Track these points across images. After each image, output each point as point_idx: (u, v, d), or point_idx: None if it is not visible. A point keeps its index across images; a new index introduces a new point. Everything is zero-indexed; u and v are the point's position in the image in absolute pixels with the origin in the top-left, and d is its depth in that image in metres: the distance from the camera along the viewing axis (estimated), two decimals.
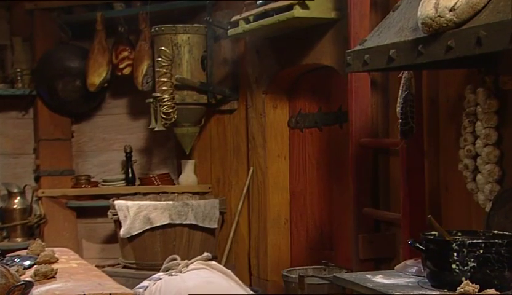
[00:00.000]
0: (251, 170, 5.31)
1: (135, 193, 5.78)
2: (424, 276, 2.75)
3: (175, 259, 4.18)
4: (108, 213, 5.36)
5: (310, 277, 4.30)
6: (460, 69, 3.33)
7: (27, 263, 3.34)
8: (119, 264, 5.46)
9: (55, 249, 3.57)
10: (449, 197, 3.52)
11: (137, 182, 5.99)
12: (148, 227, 5.12)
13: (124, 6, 5.91)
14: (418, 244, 2.69)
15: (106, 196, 5.79)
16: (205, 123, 5.71)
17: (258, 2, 4.60)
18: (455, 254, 2.54)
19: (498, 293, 2.43)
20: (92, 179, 6.09)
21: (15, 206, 5.86)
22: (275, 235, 5.15)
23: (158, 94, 5.38)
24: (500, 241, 2.53)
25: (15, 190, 5.88)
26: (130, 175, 5.95)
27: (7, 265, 3.17)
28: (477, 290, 2.44)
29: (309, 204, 5.03)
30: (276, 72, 5.02)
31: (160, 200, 5.49)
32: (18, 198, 5.89)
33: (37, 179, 6.10)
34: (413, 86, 3.26)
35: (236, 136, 5.56)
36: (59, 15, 6.00)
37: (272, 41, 4.96)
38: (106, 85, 5.86)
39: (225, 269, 4.20)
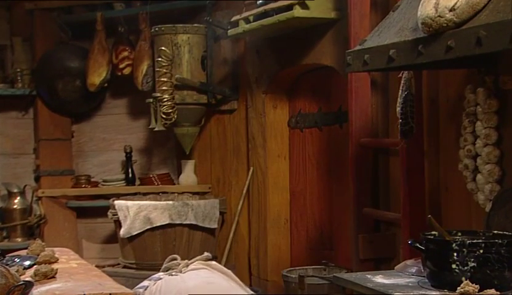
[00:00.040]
0: (251, 170, 5.31)
1: (135, 193, 5.78)
2: (424, 276, 2.75)
3: (175, 259, 4.18)
4: (108, 213, 5.37)
5: (310, 277, 4.30)
6: (460, 69, 3.33)
7: (27, 263, 3.34)
8: (119, 264, 5.46)
9: (55, 249, 3.57)
10: (449, 197, 3.52)
11: (137, 182, 5.99)
12: (148, 227, 5.12)
13: (124, 6, 5.92)
14: (418, 244, 2.69)
15: (106, 196, 5.80)
16: (205, 123, 5.72)
17: (258, 2, 4.60)
18: (455, 254, 2.54)
19: (498, 293, 2.43)
20: (92, 179, 6.09)
21: (15, 206, 5.87)
22: (275, 235, 5.15)
23: (158, 94, 5.38)
24: (500, 241, 2.53)
25: (15, 190, 5.88)
26: (130, 175, 5.96)
27: (7, 265, 3.17)
28: (477, 290, 2.44)
29: (309, 204, 5.03)
30: (276, 72, 5.02)
31: (160, 200, 5.49)
32: (18, 198, 5.89)
33: (37, 179, 6.10)
34: (413, 86, 3.26)
35: (236, 136, 5.56)
36: (59, 15, 6.00)
37: (272, 41, 4.96)
38: (106, 85, 5.86)
39: (225, 269, 4.20)
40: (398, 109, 3.31)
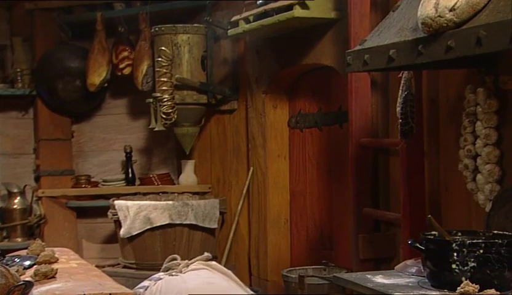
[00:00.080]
0: (251, 170, 5.31)
1: (135, 193, 5.78)
2: (424, 276, 2.75)
3: (175, 259, 4.18)
4: (108, 213, 5.37)
5: (310, 277, 4.30)
6: (460, 69, 3.33)
7: (27, 263, 3.34)
8: (119, 264, 5.46)
9: (55, 249, 3.56)
10: (449, 197, 3.52)
11: (137, 182, 5.99)
12: (148, 227, 5.12)
13: (123, 6, 5.92)
14: (418, 244, 2.69)
15: (106, 196, 5.79)
16: (205, 123, 5.71)
17: (258, 2, 4.60)
18: (455, 254, 2.54)
19: (498, 293, 2.43)
20: (92, 179, 6.09)
21: (15, 206, 5.87)
22: (275, 235, 5.15)
23: (158, 94, 5.38)
24: (500, 241, 2.53)
25: (15, 190, 5.88)
26: (130, 175, 5.96)
27: (7, 265, 3.16)
28: (477, 290, 2.44)
29: (309, 204, 5.03)
30: (276, 72, 5.02)
31: (160, 200, 5.49)
32: (18, 198, 5.89)
33: (37, 179, 6.10)
34: (413, 86, 3.26)
35: (236, 136, 5.56)
36: (59, 15, 6.00)
37: (272, 41, 4.96)
38: (106, 85, 5.86)
39: (225, 269, 4.20)
40: (398, 109, 3.31)
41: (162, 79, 5.37)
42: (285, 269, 4.59)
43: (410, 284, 2.78)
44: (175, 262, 4.15)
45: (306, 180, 5.06)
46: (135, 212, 5.13)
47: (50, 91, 5.93)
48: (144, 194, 5.72)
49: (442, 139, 3.56)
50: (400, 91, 3.30)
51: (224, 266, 4.47)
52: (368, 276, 2.97)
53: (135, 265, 5.24)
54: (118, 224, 5.27)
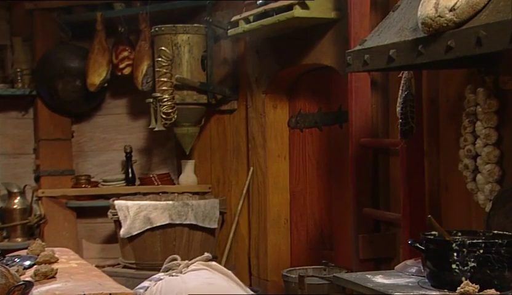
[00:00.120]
0: (251, 170, 5.31)
1: (135, 193, 5.78)
2: (424, 276, 2.75)
3: (175, 259, 4.19)
4: (108, 213, 5.36)
5: (310, 277, 4.30)
6: (460, 69, 3.33)
7: (27, 263, 3.34)
8: (119, 264, 5.46)
9: (55, 249, 3.56)
10: (449, 197, 3.52)
11: (137, 182, 5.99)
12: (148, 227, 5.12)
13: (124, 6, 5.91)
14: (418, 244, 2.69)
15: (106, 196, 5.79)
16: (205, 123, 5.71)
17: (258, 2, 4.60)
18: (455, 254, 2.54)
19: (498, 293, 2.43)
20: (92, 179, 6.09)
21: (15, 206, 5.86)
22: (275, 235, 5.15)
23: (158, 94, 5.38)
24: (500, 241, 2.53)
25: (15, 190, 5.88)
26: (130, 175, 5.96)
27: (7, 265, 3.16)
28: (477, 290, 2.44)
29: (309, 204, 5.03)
30: (276, 72, 5.02)
31: (160, 200, 5.49)
32: (18, 198, 5.89)
33: (37, 179, 6.10)
34: (413, 86, 3.26)
35: (236, 136, 5.56)
36: (59, 15, 6.00)
37: (272, 41, 4.96)
38: (106, 85, 5.86)
39: (225, 270, 4.20)
40: (398, 109, 3.31)
41: (162, 79, 5.37)
42: (285, 269, 4.59)
43: (410, 284, 2.78)
44: (175, 262, 4.16)
45: (306, 180, 5.06)
46: (135, 212, 5.13)
47: (50, 91, 5.93)
48: (144, 194, 5.72)
49: (442, 139, 3.56)
50: (400, 91, 3.30)
51: (224, 266, 4.47)
52: (368, 276, 2.97)
53: (135, 265, 5.24)
54: (118, 224, 5.27)
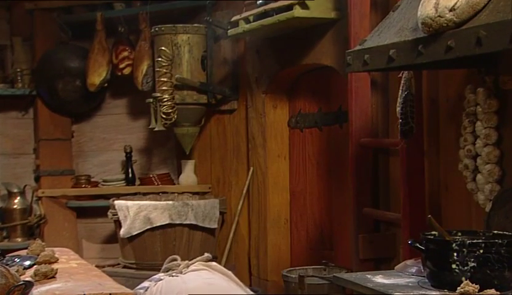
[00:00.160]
0: (251, 170, 5.31)
1: (135, 193, 5.78)
2: (424, 276, 2.75)
3: (175, 259, 4.19)
4: (108, 213, 5.36)
5: (310, 277, 4.30)
6: (460, 69, 3.33)
7: (27, 263, 3.34)
8: (119, 264, 5.46)
9: (55, 249, 3.56)
10: (449, 197, 3.52)
11: (137, 182, 5.99)
12: (148, 227, 5.12)
13: (124, 6, 5.92)
14: (418, 244, 2.69)
15: (106, 196, 5.79)
16: (205, 123, 5.71)
17: (258, 2, 4.60)
18: (455, 254, 2.54)
19: (498, 293, 2.43)
20: (92, 179, 6.09)
21: (15, 206, 5.87)
22: (275, 235, 5.15)
23: (158, 94, 5.38)
24: (500, 241, 2.53)
25: (15, 190, 5.88)
26: (130, 175, 5.96)
27: (7, 265, 3.16)
28: (477, 290, 2.44)
29: (309, 204, 5.03)
30: (276, 72, 5.02)
31: (160, 200, 5.49)
32: (18, 198, 5.89)
33: (37, 179, 6.10)
34: (413, 86, 3.26)
35: (236, 136, 5.56)
36: (59, 15, 6.00)
37: (272, 41, 4.96)
38: (106, 85, 5.86)
39: (225, 270, 4.20)
40: (398, 109, 3.31)
41: (162, 79, 5.37)
42: (285, 269, 4.59)
43: (410, 284, 2.78)
44: (175, 262, 4.16)
45: (306, 180, 5.06)
46: (135, 212, 5.13)
47: (50, 91, 5.93)
48: (144, 194, 5.72)
49: (442, 139, 3.56)
50: (400, 91, 3.30)
51: (224, 266, 4.47)
52: (368, 276, 2.97)
53: (135, 265, 5.24)
54: (118, 224, 5.27)
